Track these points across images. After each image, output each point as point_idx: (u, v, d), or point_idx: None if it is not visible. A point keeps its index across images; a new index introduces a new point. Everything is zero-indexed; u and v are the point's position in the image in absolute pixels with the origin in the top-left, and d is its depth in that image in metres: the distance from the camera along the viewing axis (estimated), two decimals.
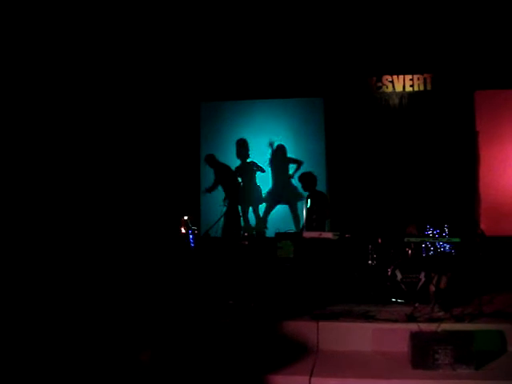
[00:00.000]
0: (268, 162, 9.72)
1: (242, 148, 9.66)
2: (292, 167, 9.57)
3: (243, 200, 9.57)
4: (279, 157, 9.67)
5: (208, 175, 9.75)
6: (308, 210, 7.66)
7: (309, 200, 7.73)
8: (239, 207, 9.44)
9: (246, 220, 9.63)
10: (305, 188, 8.11)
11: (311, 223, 7.62)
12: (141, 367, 5.13)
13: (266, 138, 9.62)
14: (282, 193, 9.66)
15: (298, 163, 9.51)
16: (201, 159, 9.78)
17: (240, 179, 9.54)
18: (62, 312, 6.06)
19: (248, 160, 9.70)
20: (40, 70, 7.31)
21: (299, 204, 9.20)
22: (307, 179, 8.11)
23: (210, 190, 9.68)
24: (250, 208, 9.73)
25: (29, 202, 7.00)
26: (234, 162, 9.71)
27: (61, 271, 7.01)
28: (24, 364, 5.07)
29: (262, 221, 9.66)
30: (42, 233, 7.11)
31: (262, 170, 9.70)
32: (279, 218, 9.55)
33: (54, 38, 7.40)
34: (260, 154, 9.69)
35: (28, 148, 7.08)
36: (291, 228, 8.73)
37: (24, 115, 7.08)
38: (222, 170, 9.63)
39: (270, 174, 9.78)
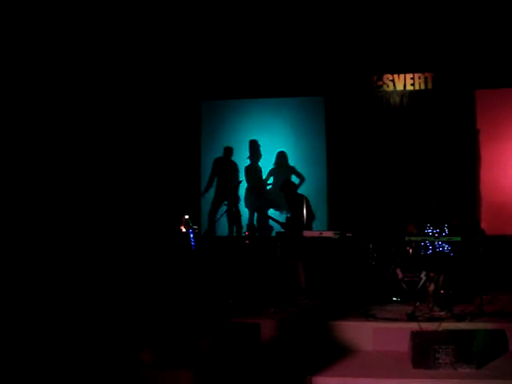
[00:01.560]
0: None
1: (254, 149, 9.55)
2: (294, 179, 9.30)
3: (248, 200, 9.54)
4: (281, 163, 9.51)
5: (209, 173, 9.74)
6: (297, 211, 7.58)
7: (304, 200, 7.63)
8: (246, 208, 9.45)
9: (252, 219, 9.59)
10: (287, 196, 7.83)
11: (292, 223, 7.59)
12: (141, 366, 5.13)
13: (267, 136, 9.56)
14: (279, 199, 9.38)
15: (301, 178, 9.35)
16: (201, 158, 9.77)
17: (244, 179, 9.50)
18: (62, 310, 6.07)
19: (259, 163, 9.61)
20: (40, 69, 7.32)
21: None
22: (288, 187, 7.92)
23: (207, 188, 9.62)
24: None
25: (28, 195, 7.02)
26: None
27: (61, 270, 7.02)
28: (23, 363, 5.08)
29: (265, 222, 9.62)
30: (43, 231, 7.12)
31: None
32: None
33: (55, 37, 7.40)
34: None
35: (28, 143, 7.10)
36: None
37: (25, 115, 7.09)
38: (230, 166, 9.57)
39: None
